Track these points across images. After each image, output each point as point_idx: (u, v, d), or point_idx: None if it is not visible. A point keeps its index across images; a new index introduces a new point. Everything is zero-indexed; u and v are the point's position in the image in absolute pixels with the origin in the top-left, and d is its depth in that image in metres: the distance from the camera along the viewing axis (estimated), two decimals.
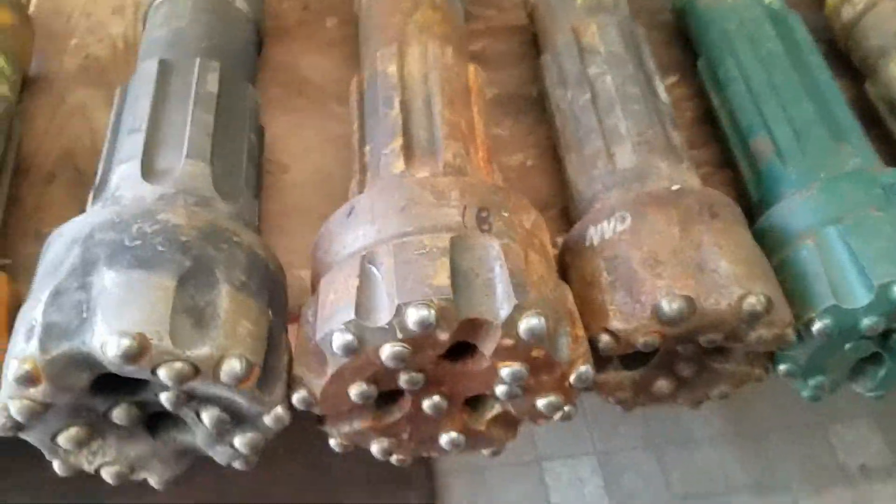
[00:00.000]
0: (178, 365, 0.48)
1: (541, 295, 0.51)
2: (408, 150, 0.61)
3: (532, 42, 0.86)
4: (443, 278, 0.49)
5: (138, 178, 0.58)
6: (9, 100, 0.68)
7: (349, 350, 0.49)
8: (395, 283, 0.49)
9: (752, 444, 1.63)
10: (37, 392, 0.48)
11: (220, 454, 0.57)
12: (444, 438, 0.59)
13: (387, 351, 0.49)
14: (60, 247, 0.53)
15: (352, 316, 0.49)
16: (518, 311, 0.49)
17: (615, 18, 0.74)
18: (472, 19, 0.90)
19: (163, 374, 0.48)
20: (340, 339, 0.49)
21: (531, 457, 1.62)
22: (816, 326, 0.56)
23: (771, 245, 0.61)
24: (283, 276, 0.59)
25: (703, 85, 0.79)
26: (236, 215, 0.59)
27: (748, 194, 0.69)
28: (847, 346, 0.59)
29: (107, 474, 0.56)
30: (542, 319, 0.50)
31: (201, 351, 0.48)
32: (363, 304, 0.50)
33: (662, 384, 0.61)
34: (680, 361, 0.59)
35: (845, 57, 0.84)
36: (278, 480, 1.58)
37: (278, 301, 0.57)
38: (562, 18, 0.76)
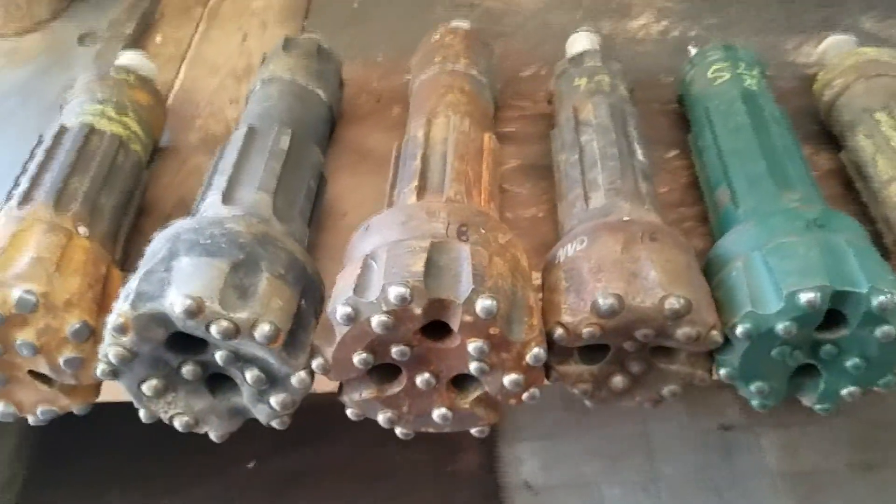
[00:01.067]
0: (224, 323, 0.65)
1: (497, 286, 0.66)
2: (420, 189, 0.79)
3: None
4: (419, 267, 0.65)
5: (219, 204, 0.78)
6: (140, 157, 0.92)
7: (348, 319, 0.66)
8: (384, 270, 0.66)
9: None
10: (126, 340, 0.67)
11: (261, 413, 0.74)
12: (436, 413, 0.73)
13: (375, 320, 0.65)
14: (157, 244, 0.73)
15: (350, 293, 0.66)
16: (475, 293, 0.65)
17: (609, 100, 0.91)
18: (511, 108, 1.10)
19: (213, 329, 0.66)
20: (341, 311, 0.66)
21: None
22: (738, 329, 0.67)
23: (713, 269, 0.74)
24: (320, 280, 0.77)
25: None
26: (288, 233, 0.78)
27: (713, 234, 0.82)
28: (773, 351, 0.69)
29: (178, 423, 0.74)
30: (495, 302, 0.64)
31: (241, 314, 0.66)
32: (360, 285, 0.67)
33: (618, 380, 0.73)
34: (630, 359, 0.72)
35: (829, 132, 0.96)
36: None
37: (311, 295, 0.74)
38: (567, 101, 0.94)
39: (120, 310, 0.67)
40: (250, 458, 1.91)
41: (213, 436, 0.76)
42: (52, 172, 0.82)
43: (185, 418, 0.74)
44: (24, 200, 0.79)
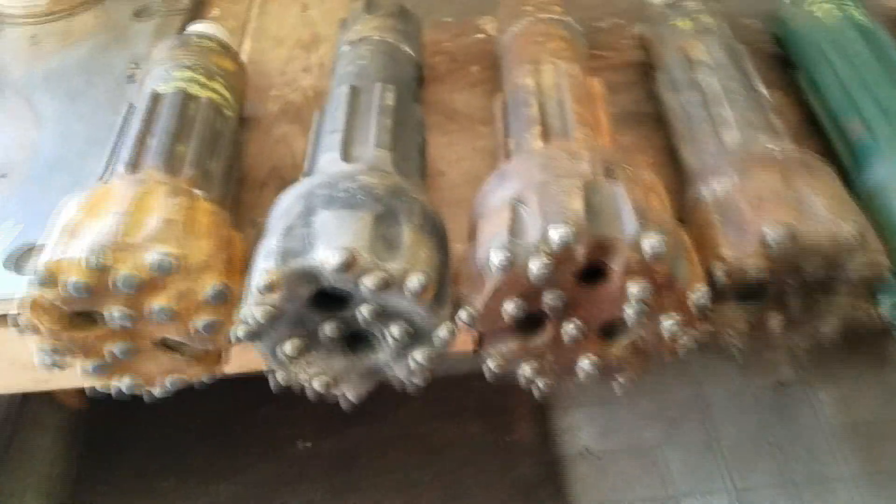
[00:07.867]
0: (378, 274, 0.63)
1: (660, 223, 0.63)
2: (545, 135, 0.76)
3: (642, 73, 1.01)
4: (578, 206, 0.63)
5: (339, 161, 0.75)
6: (235, 123, 0.89)
7: (504, 266, 0.63)
8: (540, 212, 0.63)
9: (890, 484, 1.61)
10: (274, 298, 0.64)
11: (400, 370, 0.71)
12: (583, 363, 0.71)
13: (535, 265, 0.62)
14: (288, 200, 0.70)
15: (506, 237, 0.63)
16: (641, 231, 0.62)
17: (718, 38, 0.88)
18: (596, 59, 1.06)
19: (366, 281, 0.63)
20: (497, 257, 0.63)
21: (669, 493, 1.67)
22: None
23: (867, 198, 0.71)
24: (446, 232, 0.74)
25: (802, 92, 0.91)
26: (413, 186, 0.75)
27: (842, 167, 0.79)
28: None
29: (317, 383, 0.71)
30: (662, 238, 0.62)
31: (393, 265, 0.63)
32: (515, 229, 0.64)
33: (775, 321, 0.70)
34: (789, 296, 0.69)
35: None
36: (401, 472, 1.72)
37: (444, 247, 0.71)
38: (670, 42, 0.91)
39: (266, 268, 0.64)
40: (303, 439, 1.90)
41: (350, 395, 0.73)
42: (155, 138, 0.78)
43: (324, 378, 0.71)
44: (133, 166, 0.75)
